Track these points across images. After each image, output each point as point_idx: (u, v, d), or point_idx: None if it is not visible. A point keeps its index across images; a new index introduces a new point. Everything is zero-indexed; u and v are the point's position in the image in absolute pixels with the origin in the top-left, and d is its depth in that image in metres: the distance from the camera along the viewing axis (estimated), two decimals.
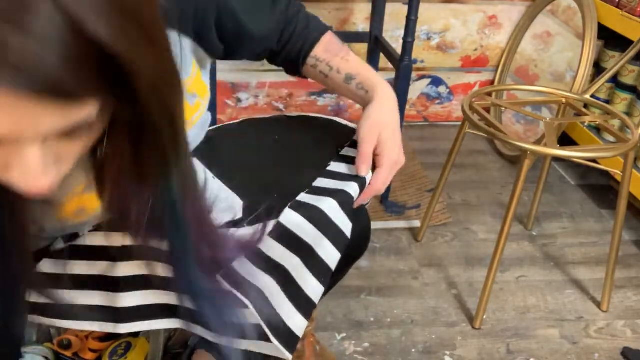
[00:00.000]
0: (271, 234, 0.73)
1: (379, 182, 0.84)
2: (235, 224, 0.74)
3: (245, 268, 0.72)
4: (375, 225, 1.80)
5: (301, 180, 0.82)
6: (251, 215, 0.75)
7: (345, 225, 0.77)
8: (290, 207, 0.75)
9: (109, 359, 1.15)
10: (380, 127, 0.85)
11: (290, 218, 0.74)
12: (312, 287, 0.75)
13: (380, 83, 0.89)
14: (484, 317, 1.50)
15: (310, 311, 0.76)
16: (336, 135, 0.96)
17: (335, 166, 0.87)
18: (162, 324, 0.85)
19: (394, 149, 0.86)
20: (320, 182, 0.82)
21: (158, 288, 0.82)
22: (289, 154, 0.91)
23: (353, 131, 0.95)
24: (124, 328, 0.83)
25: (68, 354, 1.17)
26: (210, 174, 0.85)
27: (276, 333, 0.72)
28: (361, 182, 0.83)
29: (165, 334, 1.11)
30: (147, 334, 1.20)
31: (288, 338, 0.73)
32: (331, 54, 0.88)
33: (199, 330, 0.84)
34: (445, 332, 1.46)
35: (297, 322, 0.74)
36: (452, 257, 1.73)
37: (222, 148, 0.94)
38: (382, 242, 1.77)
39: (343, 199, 0.78)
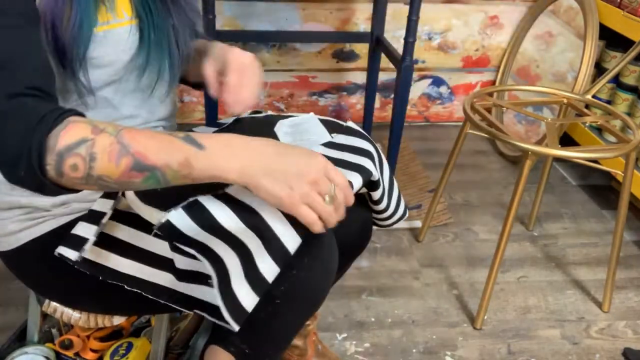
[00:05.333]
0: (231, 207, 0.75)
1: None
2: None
3: (199, 234, 0.73)
4: None
5: None
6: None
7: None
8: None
9: (110, 359, 1.15)
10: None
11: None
12: (268, 266, 0.76)
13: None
14: (485, 317, 1.50)
15: (260, 281, 0.75)
16: (329, 124, 1.01)
17: (323, 150, 0.92)
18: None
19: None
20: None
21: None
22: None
23: (348, 128, 0.98)
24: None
25: (69, 354, 1.17)
26: None
27: (227, 302, 0.72)
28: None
29: (167, 334, 1.11)
30: (149, 334, 1.21)
31: (237, 311, 0.73)
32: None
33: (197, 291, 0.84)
34: (446, 333, 1.46)
35: (246, 298, 0.74)
36: (453, 258, 1.73)
37: None
38: (383, 242, 1.77)
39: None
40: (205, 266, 0.72)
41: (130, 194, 0.81)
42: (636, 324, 1.53)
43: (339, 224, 0.90)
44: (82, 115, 0.70)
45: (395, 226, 1.83)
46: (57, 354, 1.18)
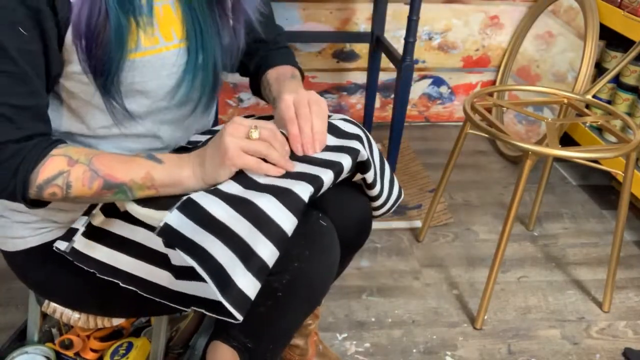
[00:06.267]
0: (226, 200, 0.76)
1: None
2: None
3: (195, 231, 0.74)
4: (376, 225, 1.80)
5: None
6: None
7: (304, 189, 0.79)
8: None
9: (111, 359, 1.15)
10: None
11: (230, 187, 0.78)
12: (265, 250, 0.76)
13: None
14: (485, 317, 1.50)
15: (259, 266, 0.74)
16: None
17: None
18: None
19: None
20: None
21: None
22: None
23: (334, 118, 0.98)
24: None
25: (69, 353, 1.17)
26: None
27: (226, 293, 0.72)
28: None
29: (167, 334, 1.11)
30: (149, 334, 1.21)
31: (239, 300, 0.72)
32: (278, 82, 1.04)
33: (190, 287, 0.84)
34: (446, 333, 1.46)
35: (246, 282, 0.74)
36: (453, 258, 1.73)
37: None
38: (384, 242, 1.77)
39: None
40: (197, 270, 0.72)
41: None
42: (636, 324, 1.53)
43: (339, 216, 0.89)
44: (63, 142, 0.80)
45: (395, 226, 1.85)
46: (57, 353, 1.18)
